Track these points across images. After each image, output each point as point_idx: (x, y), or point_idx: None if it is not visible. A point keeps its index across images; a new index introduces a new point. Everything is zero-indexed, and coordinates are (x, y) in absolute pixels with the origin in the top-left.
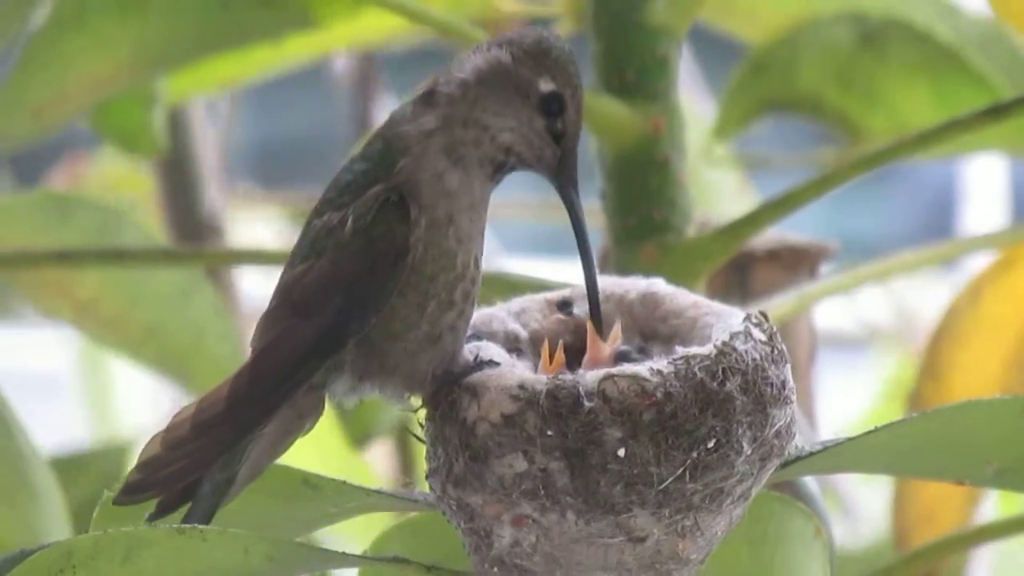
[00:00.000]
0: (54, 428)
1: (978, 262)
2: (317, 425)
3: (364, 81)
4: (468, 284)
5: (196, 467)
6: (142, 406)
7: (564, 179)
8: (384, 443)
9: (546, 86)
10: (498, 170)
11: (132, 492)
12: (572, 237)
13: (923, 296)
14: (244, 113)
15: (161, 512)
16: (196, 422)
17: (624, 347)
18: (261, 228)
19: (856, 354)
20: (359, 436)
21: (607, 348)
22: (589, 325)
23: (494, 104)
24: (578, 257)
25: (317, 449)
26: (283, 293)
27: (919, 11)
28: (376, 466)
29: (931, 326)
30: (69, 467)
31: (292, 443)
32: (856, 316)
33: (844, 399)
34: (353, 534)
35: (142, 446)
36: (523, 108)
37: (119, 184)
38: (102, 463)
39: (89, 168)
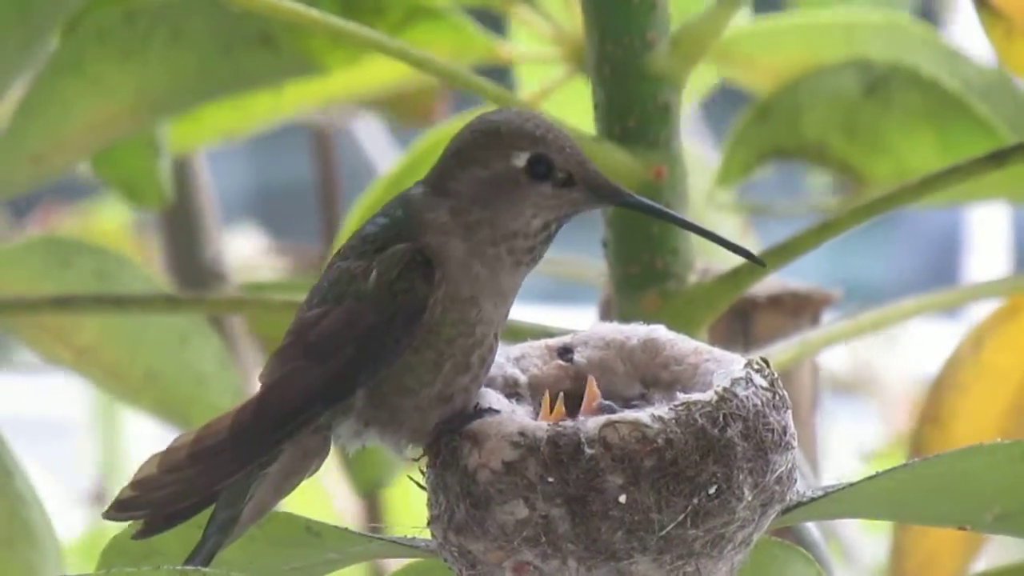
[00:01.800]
0: (67, 472)
1: (980, 309)
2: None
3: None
4: (485, 351)
5: (189, 493)
6: (153, 450)
7: (608, 198)
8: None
9: (519, 160)
10: (538, 252)
11: (123, 509)
12: (572, 287)
13: (923, 342)
14: (243, 160)
15: (146, 532)
16: (195, 449)
17: (606, 403)
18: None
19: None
20: (366, 485)
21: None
22: (590, 380)
23: (503, 209)
24: (578, 306)
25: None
26: (297, 333)
27: (924, 58)
28: (347, 513)
29: (909, 380)
30: None
31: (298, 484)
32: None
33: (854, 444)
34: None
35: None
36: (527, 190)
37: (100, 235)
38: None
39: (65, 219)
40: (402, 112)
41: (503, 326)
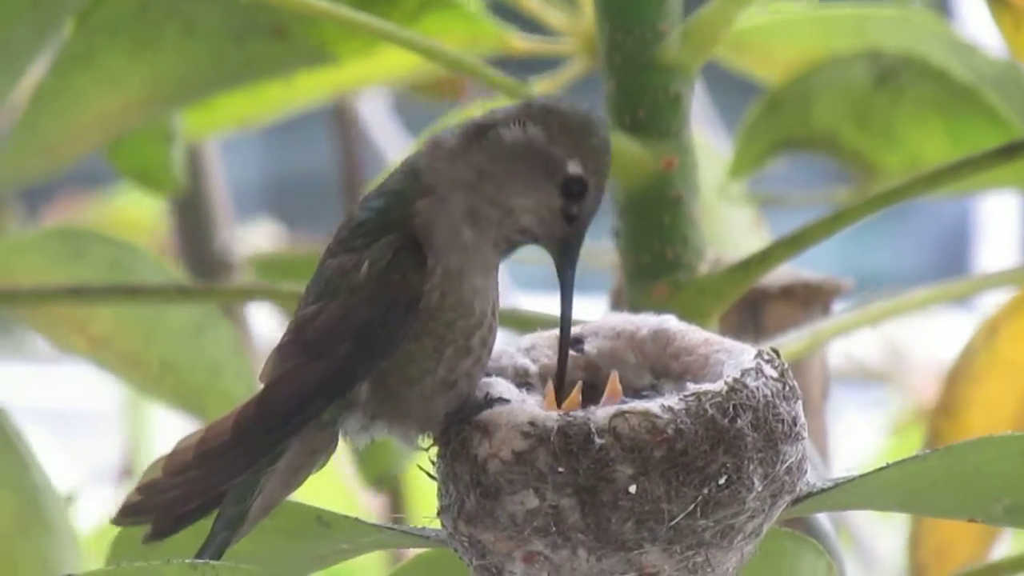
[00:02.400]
0: (95, 464)
1: (992, 299)
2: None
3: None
4: (485, 331)
5: (194, 495)
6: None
7: (565, 258)
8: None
9: (574, 169)
10: (510, 247)
11: (129, 514)
12: (584, 273)
13: (935, 333)
14: (256, 150)
15: (156, 536)
16: (199, 451)
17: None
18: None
19: (879, 390)
20: (376, 476)
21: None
22: (613, 375)
23: (521, 182)
24: (588, 295)
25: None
26: (295, 330)
27: (935, 49)
28: (370, 504)
29: (934, 364)
30: None
31: (305, 478)
32: (849, 355)
33: (864, 434)
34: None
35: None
36: (546, 185)
37: (120, 223)
38: None
39: (85, 207)
40: (431, 91)
41: (498, 309)
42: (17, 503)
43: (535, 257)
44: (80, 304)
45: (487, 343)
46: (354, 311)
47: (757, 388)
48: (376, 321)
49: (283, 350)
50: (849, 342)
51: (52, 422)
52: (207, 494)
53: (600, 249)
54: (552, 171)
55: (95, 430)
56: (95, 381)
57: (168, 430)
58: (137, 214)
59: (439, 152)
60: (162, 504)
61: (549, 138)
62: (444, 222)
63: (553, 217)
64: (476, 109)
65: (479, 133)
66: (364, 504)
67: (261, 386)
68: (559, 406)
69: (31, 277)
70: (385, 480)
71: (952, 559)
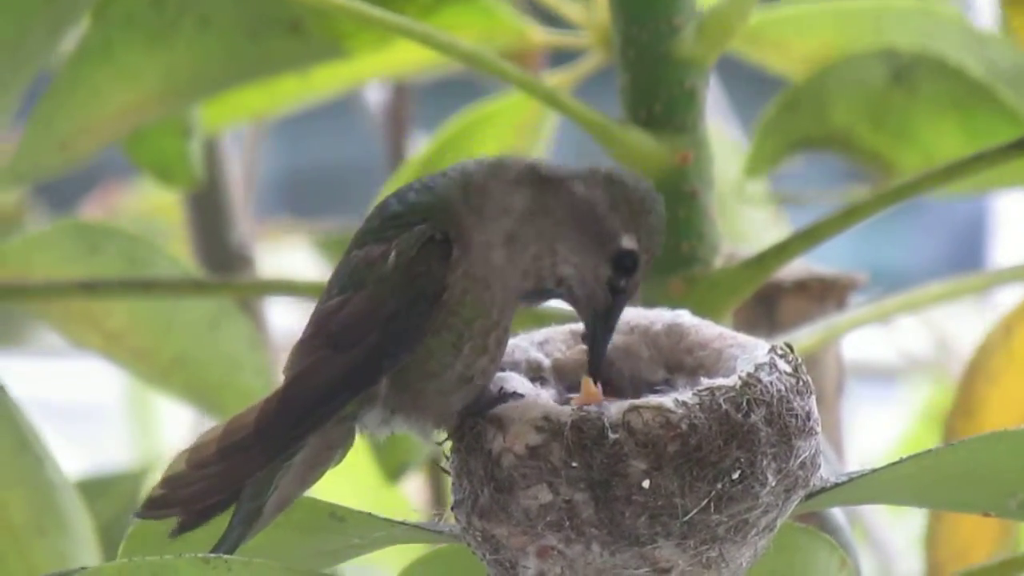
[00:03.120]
0: (101, 456)
1: (1008, 295)
2: (353, 456)
3: (396, 112)
4: (501, 333)
5: (218, 488)
6: (187, 435)
7: (602, 325)
8: (419, 475)
9: (629, 243)
10: (540, 291)
11: (154, 508)
12: None
13: (955, 327)
14: (273, 143)
15: (181, 530)
16: (222, 444)
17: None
18: (291, 258)
19: (891, 385)
20: (394, 469)
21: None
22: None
23: (574, 239)
24: None
25: (350, 481)
26: (319, 323)
27: (952, 43)
28: (412, 498)
29: (964, 358)
30: (98, 488)
31: (322, 474)
32: (895, 346)
33: (879, 430)
34: (388, 561)
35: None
36: (596, 251)
37: (156, 213)
38: (129, 484)
39: (124, 197)
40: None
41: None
42: (33, 502)
43: None
44: (94, 299)
45: (502, 344)
46: (381, 302)
47: (771, 383)
48: (403, 312)
49: (306, 344)
50: (898, 335)
51: (57, 415)
52: (230, 488)
53: None
54: (606, 240)
55: (101, 424)
56: (102, 375)
57: (176, 423)
58: (170, 203)
59: (501, 175)
60: (185, 498)
61: (610, 207)
62: (480, 238)
63: (597, 285)
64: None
65: (547, 179)
66: (406, 495)
67: (282, 380)
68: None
69: (46, 272)
70: (403, 472)
71: (971, 560)
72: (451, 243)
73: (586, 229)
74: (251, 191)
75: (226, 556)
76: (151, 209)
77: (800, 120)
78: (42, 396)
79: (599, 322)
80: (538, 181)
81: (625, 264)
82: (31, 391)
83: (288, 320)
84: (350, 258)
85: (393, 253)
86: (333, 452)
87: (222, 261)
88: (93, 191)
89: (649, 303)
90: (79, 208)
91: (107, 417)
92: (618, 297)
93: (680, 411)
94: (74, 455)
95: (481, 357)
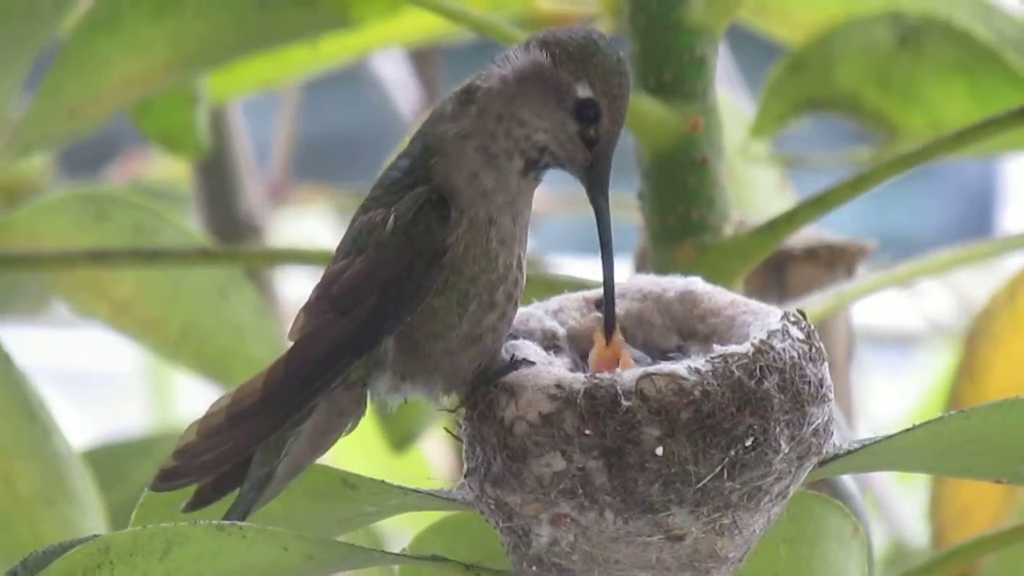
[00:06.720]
0: (118, 426)
1: (1015, 262)
2: (369, 423)
3: (423, 76)
4: (510, 286)
5: (229, 456)
6: (203, 405)
7: (594, 185)
8: (442, 441)
9: (583, 92)
10: (532, 166)
11: (167, 479)
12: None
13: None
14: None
15: (197, 503)
16: (231, 412)
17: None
18: (310, 224)
19: (900, 352)
20: (400, 438)
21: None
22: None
23: (531, 104)
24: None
25: (363, 448)
26: (323, 287)
27: (957, 10)
28: (436, 464)
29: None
30: (126, 455)
31: (334, 442)
32: (919, 312)
33: (891, 397)
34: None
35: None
36: (558, 111)
37: (178, 181)
38: (159, 450)
39: (145, 165)
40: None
41: (525, 258)
42: (41, 472)
43: (559, 212)
44: (102, 267)
45: (512, 296)
46: (380, 265)
47: (783, 350)
48: (402, 274)
49: (311, 308)
50: (926, 302)
51: (75, 385)
52: (240, 455)
53: (625, 207)
54: (562, 96)
55: (119, 393)
56: (114, 344)
57: (194, 392)
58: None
59: (441, 117)
60: (200, 467)
61: (554, 62)
62: (461, 173)
63: (571, 142)
64: None
65: (471, 88)
66: (432, 461)
67: (288, 344)
68: (608, 342)
69: (54, 241)
70: (409, 442)
71: (973, 521)
72: (447, 203)
73: (542, 93)
74: (289, 155)
75: (240, 524)
76: (173, 177)
77: (806, 82)
78: (61, 366)
79: (591, 184)
80: (470, 93)
81: (587, 114)
82: (49, 362)
83: (305, 289)
84: (354, 224)
85: (392, 217)
86: (344, 419)
87: (231, 230)
88: (115, 159)
89: (660, 270)
90: (101, 177)
91: (126, 386)
92: (596, 149)
93: (693, 378)
94: (92, 425)
95: (489, 314)
